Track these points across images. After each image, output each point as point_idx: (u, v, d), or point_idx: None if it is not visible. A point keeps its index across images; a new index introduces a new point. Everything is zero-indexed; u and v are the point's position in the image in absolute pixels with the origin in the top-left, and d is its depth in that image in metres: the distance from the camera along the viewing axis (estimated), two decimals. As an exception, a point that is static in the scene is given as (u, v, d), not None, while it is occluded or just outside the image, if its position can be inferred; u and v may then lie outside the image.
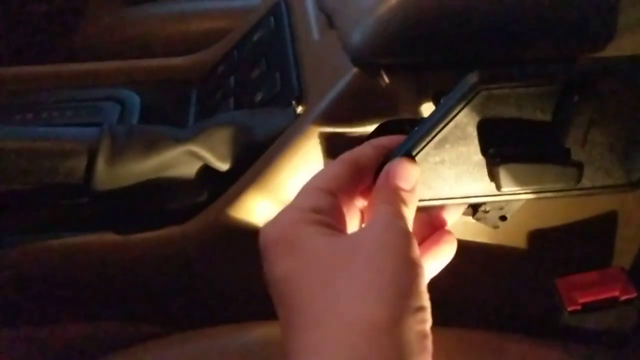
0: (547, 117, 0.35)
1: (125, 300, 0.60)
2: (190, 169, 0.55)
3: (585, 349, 0.55)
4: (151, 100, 0.75)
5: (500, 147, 0.35)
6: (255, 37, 0.73)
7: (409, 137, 0.36)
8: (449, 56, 0.49)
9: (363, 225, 0.37)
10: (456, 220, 0.54)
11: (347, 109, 0.52)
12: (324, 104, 0.52)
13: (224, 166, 0.55)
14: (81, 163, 0.54)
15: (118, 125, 0.56)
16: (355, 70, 0.50)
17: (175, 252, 0.57)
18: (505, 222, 0.51)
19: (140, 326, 0.60)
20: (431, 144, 0.35)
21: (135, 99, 0.72)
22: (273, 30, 0.70)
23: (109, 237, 0.57)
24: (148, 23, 1.01)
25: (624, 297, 0.54)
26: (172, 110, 0.75)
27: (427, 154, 0.36)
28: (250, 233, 0.55)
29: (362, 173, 0.36)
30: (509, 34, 0.48)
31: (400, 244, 0.31)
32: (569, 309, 0.53)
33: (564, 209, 0.58)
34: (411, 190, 0.34)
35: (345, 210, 0.35)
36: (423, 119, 0.37)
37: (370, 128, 0.52)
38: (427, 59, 0.49)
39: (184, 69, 0.80)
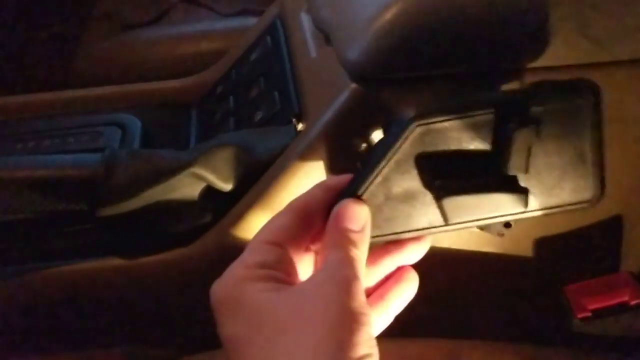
0: (487, 145, 0.36)
1: (133, 325, 0.60)
2: (193, 191, 0.55)
3: (596, 356, 0.54)
4: (152, 123, 0.75)
5: (444, 180, 0.36)
6: (253, 57, 0.73)
7: (354, 177, 0.37)
8: (445, 69, 0.49)
9: (311, 274, 0.37)
10: (461, 231, 0.54)
11: (347, 125, 0.52)
12: (324, 120, 0.53)
13: (226, 187, 0.55)
14: (84, 190, 0.54)
15: (120, 150, 0.56)
16: (353, 86, 0.51)
17: (181, 274, 0.57)
18: (511, 229, 0.51)
19: (148, 350, 0.60)
20: (375, 183, 0.36)
21: (136, 123, 0.72)
22: (270, 49, 0.70)
23: (114, 262, 0.57)
24: (146, 47, 1.03)
25: (634, 302, 0.53)
26: (173, 133, 0.75)
27: (374, 192, 0.36)
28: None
29: (312, 218, 0.35)
30: (500, 46, 0.48)
31: (340, 293, 0.31)
32: (579, 316, 0.53)
33: (568, 215, 0.58)
34: (361, 231, 0.34)
35: (296, 258, 0.35)
36: (368, 156, 0.37)
37: (371, 143, 0.52)
38: (423, 73, 0.49)
39: (183, 91, 0.81)
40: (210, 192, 0.56)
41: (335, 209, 0.35)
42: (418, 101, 0.51)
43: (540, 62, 0.50)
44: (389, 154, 0.35)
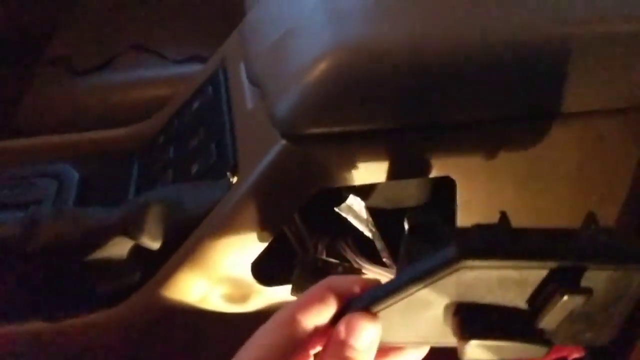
0: (524, 295, 0.33)
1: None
2: (121, 250, 0.53)
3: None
4: (91, 174, 0.73)
5: (469, 319, 0.33)
6: (195, 106, 0.72)
7: (372, 289, 0.34)
8: (375, 125, 0.49)
9: None
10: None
11: (278, 180, 0.51)
12: (254, 175, 0.51)
13: (155, 245, 0.53)
14: (6, 252, 0.52)
15: (45, 209, 0.54)
16: (283, 141, 0.50)
17: (111, 336, 0.55)
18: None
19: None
20: (395, 306, 0.33)
21: (72, 174, 0.71)
22: (211, 99, 0.70)
23: (41, 325, 0.54)
24: (94, 93, 1.01)
25: (571, 357, 0.52)
26: (112, 184, 0.73)
27: (391, 310, 0.33)
28: (185, 314, 0.53)
29: (303, 334, 0.33)
30: (431, 99, 0.48)
31: None
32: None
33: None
34: (365, 350, 0.32)
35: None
36: (396, 277, 0.34)
37: (303, 198, 0.51)
38: (353, 128, 0.49)
39: (126, 139, 0.79)
40: (138, 250, 0.54)
41: (344, 319, 0.32)
42: (349, 158, 0.50)
43: (473, 117, 0.50)
44: (423, 282, 0.32)
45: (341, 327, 0.32)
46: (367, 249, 0.57)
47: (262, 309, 0.54)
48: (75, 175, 0.71)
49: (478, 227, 0.33)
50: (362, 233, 0.57)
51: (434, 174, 0.51)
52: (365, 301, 0.33)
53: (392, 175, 0.51)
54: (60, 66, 1.06)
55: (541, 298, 0.32)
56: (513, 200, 0.54)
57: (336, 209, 0.56)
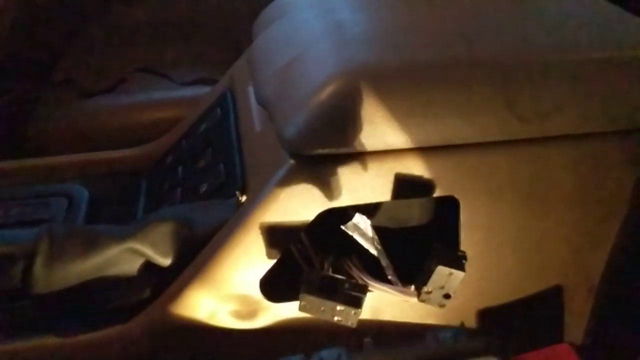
0: None
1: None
2: (131, 267, 0.54)
3: None
4: (101, 193, 0.74)
5: None
6: (203, 128, 0.74)
7: None
8: (380, 145, 0.50)
9: None
10: (402, 303, 0.54)
11: (286, 200, 0.52)
12: (263, 195, 0.53)
13: (165, 262, 0.54)
14: (18, 266, 0.53)
15: (57, 225, 0.56)
16: (291, 162, 0.51)
17: (120, 351, 0.56)
18: (451, 301, 0.51)
19: None
20: None
21: (83, 193, 0.72)
22: (219, 121, 0.71)
23: (52, 340, 0.55)
24: (102, 115, 1.03)
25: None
26: (121, 203, 0.74)
27: None
28: (195, 329, 0.54)
29: None
30: (435, 120, 0.50)
31: None
32: (521, 388, 0.53)
33: (509, 286, 0.59)
34: None
35: None
36: None
37: (310, 216, 0.53)
38: (358, 148, 0.50)
39: (134, 160, 0.81)
40: (149, 267, 0.55)
41: None
42: (355, 178, 0.52)
43: (474, 139, 0.52)
44: None
45: None
46: (371, 267, 0.58)
47: (270, 325, 0.55)
48: (85, 194, 0.72)
49: None
50: (366, 251, 0.58)
51: (438, 193, 0.53)
52: None
53: (398, 194, 0.52)
54: (68, 89, 1.08)
55: None
56: (514, 220, 0.56)
57: (342, 227, 0.57)
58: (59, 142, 1.00)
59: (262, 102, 0.59)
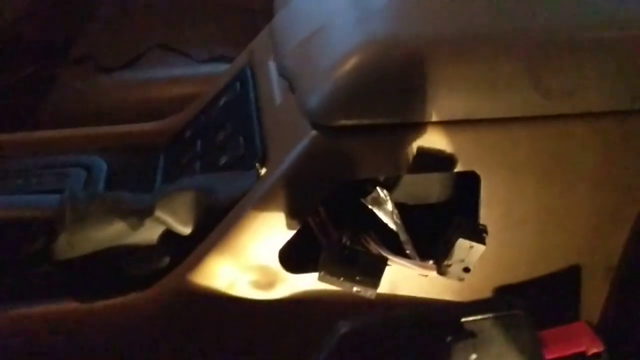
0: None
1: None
2: (152, 234, 0.55)
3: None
4: (119, 166, 0.75)
5: None
6: (222, 102, 0.74)
7: None
8: (402, 118, 0.50)
9: None
10: (420, 278, 0.54)
11: (306, 171, 0.52)
12: (284, 166, 0.53)
13: (186, 230, 0.55)
14: (42, 231, 0.53)
15: (80, 192, 0.56)
16: (313, 133, 0.51)
17: (139, 318, 0.56)
18: (469, 276, 0.51)
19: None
20: None
21: (101, 165, 0.72)
22: (238, 95, 0.71)
23: (72, 305, 0.56)
24: (120, 90, 1.03)
25: (590, 352, 0.53)
26: (139, 176, 0.75)
27: None
28: (213, 298, 0.55)
29: None
30: (458, 94, 0.50)
31: None
32: (537, 365, 0.53)
33: (528, 263, 0.59)
34: None
35: None
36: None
37: (330, 188, 0.53)
38: (382, 121, 0.50)
39: (153, 134, 0.81)
40: (169, 235, 0.55)
41: None
42: (376, 150, 0.52)
43: (497, 114, 0.52)
44: None
45: None
46: (388, 241, 0.58)
47: (287, 296, 0.55)
48: (104, 166, 0.73)
49: None
50: (383, 226, 0.58)
51: (460, 168, 0.53)
52: None
53: (419, 168, 0.52)
54: (86, 64, 1.08)
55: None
56: (535, 197, 0.56)
57: (362, 201, 0.57)
58: (77, 116, 1.00)
59: (284, 75, 0.59)
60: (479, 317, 0.35)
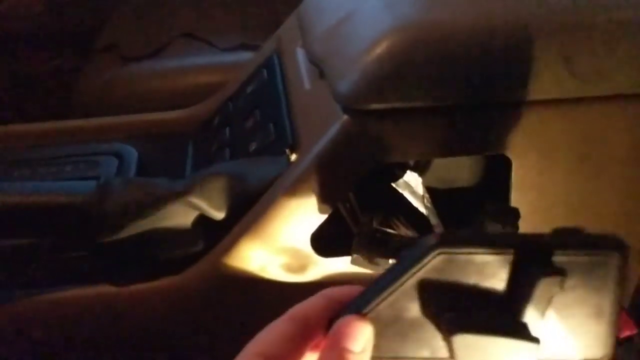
0: (503, 286, 0.33)
1: (125, 352, 0.59)
2: (186, 219, 0.56)
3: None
4: (149, 153, 0.76)
5: (456, 314, 0.33)
6: (249, 89, 0.75)
7: (362, 293, 0.34)
8: (434, 102, 0.50)
9: None
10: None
11: (338, 156, 0.53)
12: (315, 151, 0.53)
13: (219, 215, 0.56)
14: (77, 217, 0.54)
15: (115, 178, 0.57)
16: (345, 117, 0.52)
17: (174, 302, 0.57)
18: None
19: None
20: (384, 303, 0.33)
21: (132, 153, 0.73)
22: (266, 82, 0.72)
23: (107, 289, 0.57)
24: (146, 79, 1.04)
25: (623, 335, 0.53)
26: (169, 163, 0.76)
27: (381, 313, 0.33)
28: (246, 282, 0.56)
29: (312, 328, 0.33)
30: (489, 78, 0.50)
31: None
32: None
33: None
34: (361, 352, 0.32)
35: None
36: (380, 275, 0.34)
37: (362, 172, 0.53)
38: (413, 104, 0.50)
39: (181, 122, 0.82)
40: (202, 220, 0.56)
41: (337, 324, 0.32)
42: (407, 133, 0.52)
43: (528, 96, 0.52)
44: (405, 277, 0.33)
45: (335, 331, 0.32)
46: (418, 226, 0.59)
47: (319, 279, 0.56)
48: (135, 154, 0.74)
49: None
50: (413, 210, 0.59)
51: (490, 151, 0.53)
52: (355, 305, 0.33)
53: (450, 152, 0.52)
54: (113, 53, 1.10)
55: (518, 286, 0.33)
56: (567, 181, 0.55)
57: (393, 185, 0.57)
58: (104, 106, 1.02)
59: (314, 60, 0.60)
60: (572, 254, 0.33)
